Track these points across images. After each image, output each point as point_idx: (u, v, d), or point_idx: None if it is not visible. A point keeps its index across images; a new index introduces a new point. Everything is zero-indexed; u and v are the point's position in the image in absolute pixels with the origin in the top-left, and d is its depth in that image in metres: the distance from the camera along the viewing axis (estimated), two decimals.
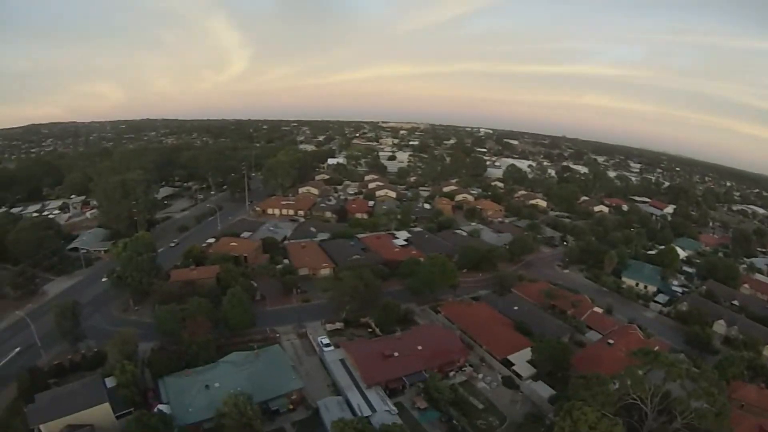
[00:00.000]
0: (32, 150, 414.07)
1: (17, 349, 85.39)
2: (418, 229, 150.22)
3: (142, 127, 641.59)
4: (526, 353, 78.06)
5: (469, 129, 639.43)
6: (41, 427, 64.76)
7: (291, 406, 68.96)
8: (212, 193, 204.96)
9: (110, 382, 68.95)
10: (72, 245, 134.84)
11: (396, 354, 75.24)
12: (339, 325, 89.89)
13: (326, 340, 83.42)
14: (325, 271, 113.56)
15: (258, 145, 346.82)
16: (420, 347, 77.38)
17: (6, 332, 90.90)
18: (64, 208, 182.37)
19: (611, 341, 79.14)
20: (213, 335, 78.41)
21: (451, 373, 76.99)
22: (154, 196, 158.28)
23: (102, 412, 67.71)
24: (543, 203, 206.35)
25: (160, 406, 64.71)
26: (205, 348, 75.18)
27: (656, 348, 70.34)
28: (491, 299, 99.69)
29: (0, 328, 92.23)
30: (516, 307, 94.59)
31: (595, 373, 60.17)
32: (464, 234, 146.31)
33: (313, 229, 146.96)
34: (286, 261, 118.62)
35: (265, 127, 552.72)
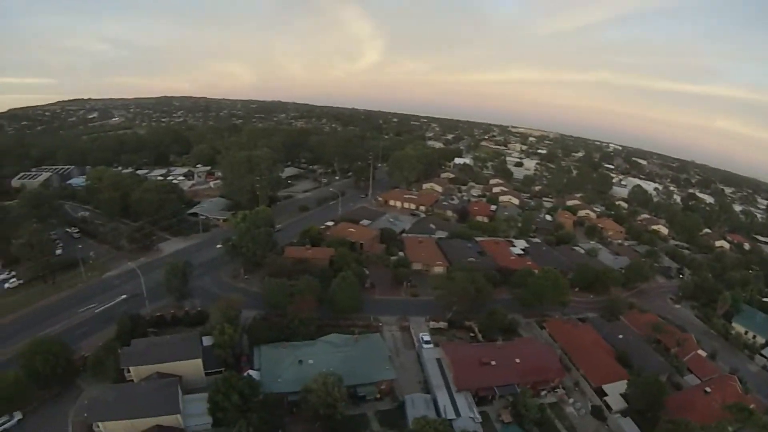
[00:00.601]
0: (163, 119, 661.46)
1: (123, 296, 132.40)
2: (536, 239, 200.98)
3: (273, 108, 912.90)
4: (621, 385, 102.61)
5: (598, 143, 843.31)
6: (131, 369, 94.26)
7: (378, 395, 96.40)
8: (336, 178, 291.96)
9: (207, 341, 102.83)
10: (192, 210, 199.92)
11: (493, 363, 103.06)
12: (443, 324, 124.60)
13: (427, 337, 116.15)
14: (438, 269, 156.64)
15: (386, 137, 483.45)
16: (518, 360, 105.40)
17: (116, 279, 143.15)
18: (188, 176, 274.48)
19: (708, 389, 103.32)
20: (317, 314, 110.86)
21: (543, 392, 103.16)
22: (278, 174, 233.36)
23: (193, 366, 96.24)
24: (664, 230, 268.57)
25: (251, 372, 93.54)
26: (307, 325, 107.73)
27: (752, 406, 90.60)
28: (598, 323, 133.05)
29: (112, 275, 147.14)
30: (621, 336, 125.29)
31: (685, 419, 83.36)
32: (582, 251, 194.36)
33: (432, 225, 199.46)
34: (401, 254, 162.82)
35: (395, 120, 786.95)
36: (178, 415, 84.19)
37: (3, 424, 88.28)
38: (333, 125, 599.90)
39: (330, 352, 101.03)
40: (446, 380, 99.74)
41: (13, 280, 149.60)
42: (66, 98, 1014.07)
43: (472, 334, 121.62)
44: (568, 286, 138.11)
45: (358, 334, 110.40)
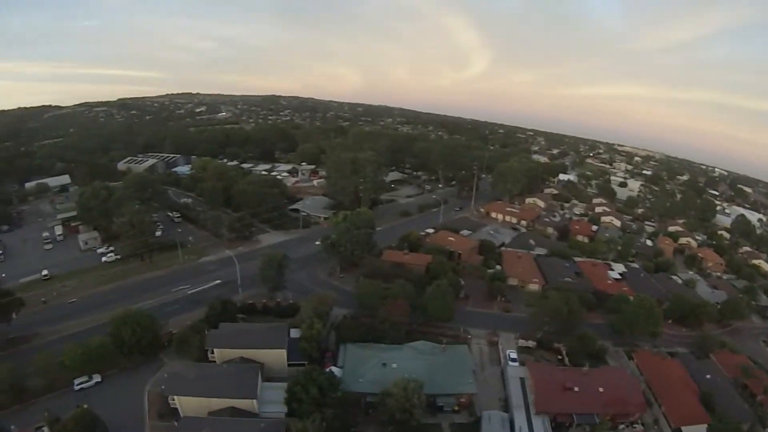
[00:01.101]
0: (270, 117, 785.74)
1: (217, 281, 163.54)
2: (635, 265, 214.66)
3: (379, 112, 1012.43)
4: (701, 429, 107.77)
5: (704, 166, 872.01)
6: (216, 350, 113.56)
7: (456, 408, 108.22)
8: (440, 186, 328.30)
9: (295, 333, 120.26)
10: (294, 206, 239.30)
11: (576, 389, 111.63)
12: (531, 343, 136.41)
13: (514, 355, 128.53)
14: (534, 287, 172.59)
15: (492, 147, 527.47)
16: (601, 389, 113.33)
17: (212, 265, 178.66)
18: (293, 172, 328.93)
19: None
20: (408, 319, 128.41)
21: (621, 426, 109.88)
22: (382, 177, 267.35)
23: (276, 356, 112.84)
24: (766, 266, 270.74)
25: (333, 368, 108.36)
26: (397, 329, 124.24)
27: None
28: (686, 359, 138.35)
29: (208, 261, 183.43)
30: (708, 376, 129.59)
31: None
32: (679, 281, 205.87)
33: (532, 241, 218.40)
34: (498, 267, 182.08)
35: (500, 131, 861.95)
36: (254, 401, 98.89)
37: (82, 383, 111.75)
38: (439, 133, 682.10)
39: (415, 359, 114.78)
40: (526, 401, 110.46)
41: (111, 254, 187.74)
42: (175, 91, 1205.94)
43: (559, 357, 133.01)
44: (662, 316, 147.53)
45: (445, 344, 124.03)
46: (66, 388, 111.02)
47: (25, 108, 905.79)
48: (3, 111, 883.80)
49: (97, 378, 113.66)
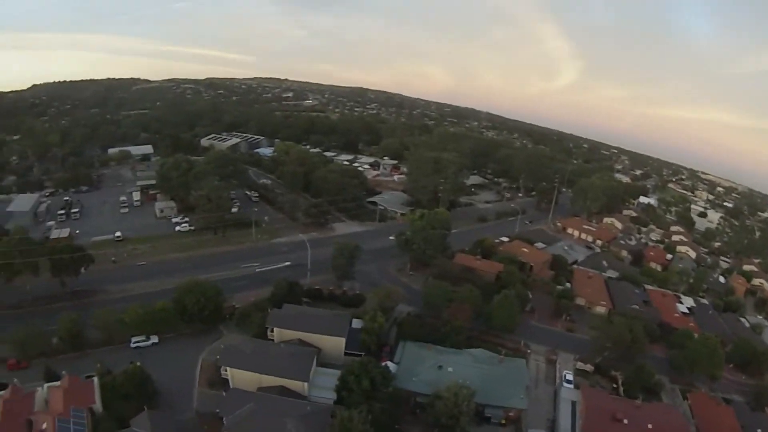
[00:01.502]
0: (356, 109, 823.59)
1: (287, 263, 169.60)
2: (704, 300, 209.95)
3: (465, 115, 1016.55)
4: None
5: None
6: (276, 330, 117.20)
7: (504, 421, 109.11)
8: (520, 195, 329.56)
9: (356, 323, 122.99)
10: (372, 199, 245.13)
11: (625, 421, 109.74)
12: (589, 367, 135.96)
13: (570, 377, 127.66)
14: (600, 309, 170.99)
15: (575, 161, 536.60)
16: (650, 426, 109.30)
17: (284, 247, 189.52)
18: (374, 165, 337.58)
19: None
20: (471, 325, 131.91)
21: None
22: (463, 180, 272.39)
23: (335, 343, 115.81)
24: None
25: (389, 363, 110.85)
26: (458, 333, 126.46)
27: None
28: (740, 408, 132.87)
29: (280, 242, 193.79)
30: (759, 430, 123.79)
31: None
32: (747, 324, 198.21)
33: (605, 262, 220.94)
34: (567, 284, 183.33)
35: (585, 145, 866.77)
36: (306, 383, 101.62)
37: (138, 342, 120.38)
38: (524, 141, 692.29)
39: (471, 366, 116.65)
40: (574, 425, 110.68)
41: (185, 225, 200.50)
42: (263, 76, 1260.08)
43: (614, 386, 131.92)
44: (723, 359, 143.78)
45: (504, 355, 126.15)
46: (122, 344, 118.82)
47: (114, 79, 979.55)
48: (93, 80, 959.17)
49: (154, 339, 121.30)
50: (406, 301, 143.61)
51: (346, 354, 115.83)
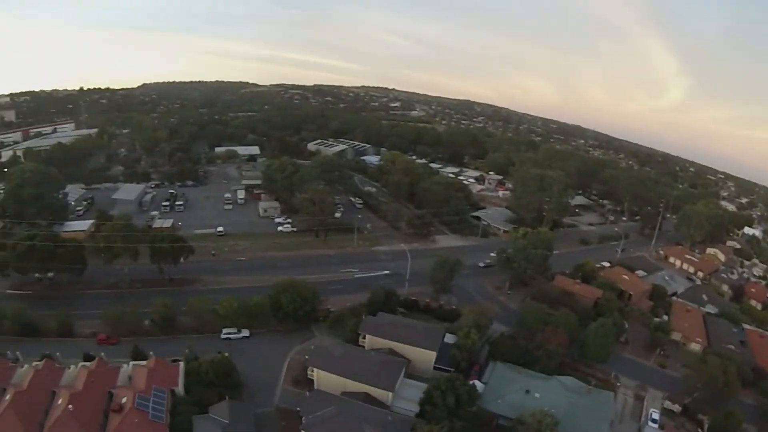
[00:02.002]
0: (463, 122, 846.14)
1: (386, 272, 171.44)
2: None
3: (572, 132, 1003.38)
4: None
5: None
6: (367, 336, 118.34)
7: None
8: (623, 218, 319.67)
9: (449, 338, 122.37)
10: (476, 213, 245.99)
11: None
12: (677, 407, 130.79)
13: (656, 416, 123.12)
14: (695, 346, 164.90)
15: (680, 186, 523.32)
16: None
17: (384, 255, 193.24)
18: (479, 180, 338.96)
19: None
20: (563, 351, 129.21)
21: None
22: (567, 200, 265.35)
23: (425, 356, 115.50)
24: None
25: (477, 382, 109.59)
26: (549, 358, 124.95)
27: None
28: None
29: (381, 250, 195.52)
30: None
31: None
32: None
33: (704, 296, 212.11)
34: (665, 317, 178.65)
35: (691, 169, 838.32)
36: (391, 394, 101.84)
37: (229, 333, 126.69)
38: (629, 162, 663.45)
39: (558, 393, 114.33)
40: None
41: (288, 225, 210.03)
42: (371, 84, 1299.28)
43: (699, 430, 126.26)
44: None
45: (593, 386, 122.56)
46: (213, 334, 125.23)
47: (222, 81, 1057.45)
48: (202, 81, 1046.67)
49: (245, 333, 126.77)
50: (501, 320, 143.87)
51: (435, 368, 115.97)
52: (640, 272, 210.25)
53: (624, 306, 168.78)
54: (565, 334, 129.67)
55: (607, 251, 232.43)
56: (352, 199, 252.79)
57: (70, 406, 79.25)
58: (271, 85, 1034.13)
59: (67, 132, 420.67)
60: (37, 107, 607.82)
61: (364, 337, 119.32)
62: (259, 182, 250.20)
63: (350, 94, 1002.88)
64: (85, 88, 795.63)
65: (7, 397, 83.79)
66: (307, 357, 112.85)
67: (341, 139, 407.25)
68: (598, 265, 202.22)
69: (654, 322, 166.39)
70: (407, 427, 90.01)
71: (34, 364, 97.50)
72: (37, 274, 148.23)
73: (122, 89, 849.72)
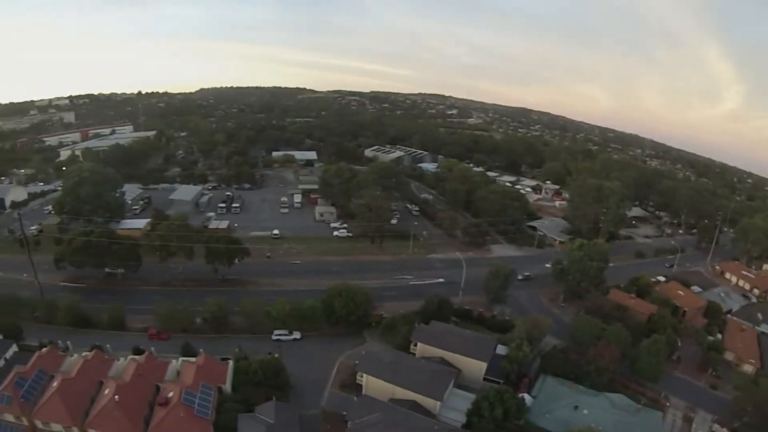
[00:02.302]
0: (520, 129, 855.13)
1: (440, 280, 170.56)
2: None
3: (629, 141, 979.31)
4: None
5: None
6: (419, 344, 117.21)
7: None
8: (680, 231, 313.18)
9: (501, 350, 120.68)
10: (532, 223, 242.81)
11: None
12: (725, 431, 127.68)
13: None
14: (748, 368, 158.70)
15: (738, 198, 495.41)
16: None
17: (438, 263, 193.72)
18: (536, 189, 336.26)
19: None
20: (614, 367, 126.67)
21: None
22: (624, 211, 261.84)
23: (476, 366, 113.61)
24: None
25: (526, 395, 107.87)
26: (600, 374, 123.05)
27: None
28: None
29: (436, 258, 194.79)
30: None
31: None
32: None
33: (759, 315, 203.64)
34: (719, 335, 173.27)
35: (749, 180, 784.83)
36: (439, 403, 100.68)
37: (280, 335, 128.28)
38: (686, 172, 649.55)
39: (607, 411, 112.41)
40: None
41: (343, 230, 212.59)
42: (427, 92, 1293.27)
43: None
44: None
45: (642, 405, 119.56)
46: (264, 335, 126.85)
47: (280, 87, 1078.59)
48: (259, 87, 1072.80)
49: (296, 335, 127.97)
50: (553, 333, 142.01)
51: (484, 379, 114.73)
52: (696, 288, 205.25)
53: (678, 323, 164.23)
54: (618, 349, 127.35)
55: (662, 265, 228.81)
56: (409, 206, 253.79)
57: (116, 397, 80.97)
58: (327, 91, 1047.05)
59: (125, 134, 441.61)
60: (96, 110, 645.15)
61: (415, 345, 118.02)
62: (315, 187, 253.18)
63: (407, 101, 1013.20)
64: (143, 92, 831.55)
65: (55, 383, 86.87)
66: (357, 362, 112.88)
67: (398, 146, 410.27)
68: (653, 280, 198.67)
69: (708, 341, 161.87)
70: None
71: (84, 354, 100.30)
72: (108, 269, 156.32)
73: (180, 93, 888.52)
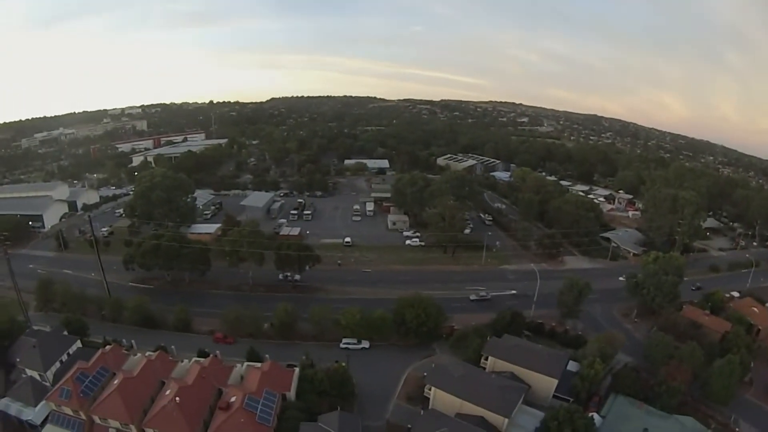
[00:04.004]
0: (591, 137, 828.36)
1: (513, 292, 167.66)
2: None
3: (701, 148, 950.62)
4: None
5: None
6: (490, 358, 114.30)
7: None
8: (754, 244, 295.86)
9: (572, 366, 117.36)
10: (605, 234, 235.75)
11: None
12: None
13: None
14: None
15: None
16: None
17: (511, 275, 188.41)
18: (609, 199, 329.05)
19: None
20: (686, 388, 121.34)
21: None
22: (700, 222, 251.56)
23: (546, 383, 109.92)
24: None
25: (595, 415, 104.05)
26: (671, 395, 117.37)
27: None
28: None
29: (509, 269, 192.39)
30: None
31: None
32: None
33: None
34: None
35: None
36: (506, 420, 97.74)
37: (348, 343, 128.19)
38: (760, 180, 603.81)
39: None
40: None
41: (416, 239, 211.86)
42: (498, 99, 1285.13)
43: None
44: None
45: (712, 430, 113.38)
46: (331, 342, 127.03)
47: (350, 96, 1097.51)
48: (330, 96, 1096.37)
49: (365, 344, 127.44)
50: (625, 350, 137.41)
51: (554, 396, 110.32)
52: None
53: (752, 342, 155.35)
54: (690, 370, 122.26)
55: (737, 279, 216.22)
56: (482, 215, 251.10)
57: (177, 398, 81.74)
58: (398, 100, 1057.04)
59: (197, 141, 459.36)
60: (168, 118, 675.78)
61: (486, 359, 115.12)
62: (388, 195, 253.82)
63: (477, 109, 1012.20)
64: (214, 101, 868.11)
65: (116, 381, 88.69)
66: (425, 374, 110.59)
67: (470, 154, 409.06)
68: (727, 295, 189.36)
69: None
70: None
71: (148, 353, 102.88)
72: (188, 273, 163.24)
73: (251, 103, 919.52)
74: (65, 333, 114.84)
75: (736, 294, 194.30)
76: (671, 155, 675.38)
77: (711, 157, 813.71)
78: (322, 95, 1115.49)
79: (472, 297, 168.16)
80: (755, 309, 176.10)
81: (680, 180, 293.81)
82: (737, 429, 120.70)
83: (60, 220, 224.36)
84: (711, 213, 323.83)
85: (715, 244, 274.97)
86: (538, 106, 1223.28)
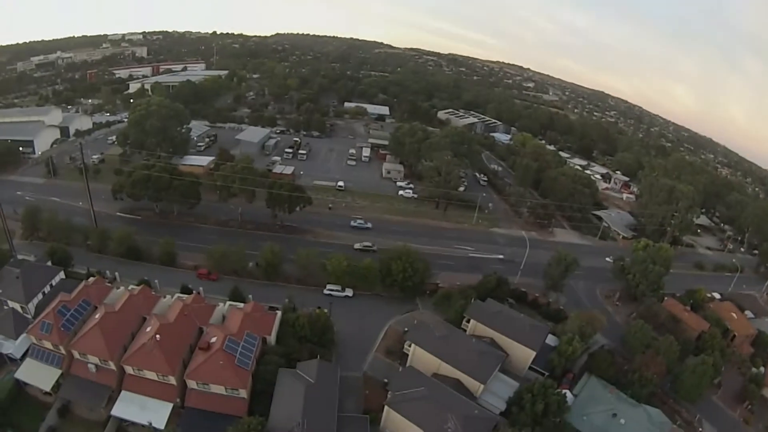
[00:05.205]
0: (595, 113, 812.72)
1: (501, 256, 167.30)
2: None
3: (702, 144, 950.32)
4: None
5: None
6: (471, 321, 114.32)
7: None
8: (741, 249, 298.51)
9: (551, 340, 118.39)
10: (597, 213, 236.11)
11: None
12: None
13: None
14: None
15: None
16: None
17: (501, 239, 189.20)
18: (605, 178, 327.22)
19: None
20: (658, 380, 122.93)
21: None
22: (692, 218, 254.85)
23: (524, 354, 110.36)
24: None
25: (568, 393, 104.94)
26: (643, 385, 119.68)
27: None
28: None
29: (498, 233, 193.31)
30: None
31: None
32: None
33: None
34: (762, 368, 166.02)
35: None
36: (482, 386, 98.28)
37: (332, 290, 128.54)
38: (756, 188, 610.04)
39: (643, 424, 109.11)
40: None
41: (409, 191, 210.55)
42: (506, 61, 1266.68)
43: None
44: None
45: (678, 426, 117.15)
46: (315, 287, 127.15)
47: (357, 39, 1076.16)
48: (336, 37, 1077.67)
49: (348, 292, 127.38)
50: (605, 332, 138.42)
51: (530, 368, 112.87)
52: (749, 313, 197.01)
53: (726, 346, 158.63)
54: (664, 363, 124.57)
55: (718, 281, 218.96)
56: (477, 174, 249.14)
57: (157, 336, 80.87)
58: (405, 48, 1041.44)
59: (197, 71, 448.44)
60: (169, 46, 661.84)
61: (468, 322, 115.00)
62: (385, 143, 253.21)
63: (484, 68, 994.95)
64: (218, 32, 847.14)
65: (97, 315, 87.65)
66: (406, 330, 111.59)
67: (472, 112, 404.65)
68: (708, 295, 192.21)
69: (751, 372, 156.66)
70: (491, 425, 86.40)
71: (131, 287, 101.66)
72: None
73: (255, 36, 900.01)
74: (49, 263, 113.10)
75: (717, 296, 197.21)
76: (672, 145, 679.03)
77: (711, 155, 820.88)
78: (328, 35, 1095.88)
79: (356, 246, 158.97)
80: (734, 314, 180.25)
81: (679, 172, 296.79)
82: (700, 429, 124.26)
83: (51, 146, 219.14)
84: (704, 210, 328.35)
85: (703, 242, 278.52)
86: (546, 73, 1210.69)
